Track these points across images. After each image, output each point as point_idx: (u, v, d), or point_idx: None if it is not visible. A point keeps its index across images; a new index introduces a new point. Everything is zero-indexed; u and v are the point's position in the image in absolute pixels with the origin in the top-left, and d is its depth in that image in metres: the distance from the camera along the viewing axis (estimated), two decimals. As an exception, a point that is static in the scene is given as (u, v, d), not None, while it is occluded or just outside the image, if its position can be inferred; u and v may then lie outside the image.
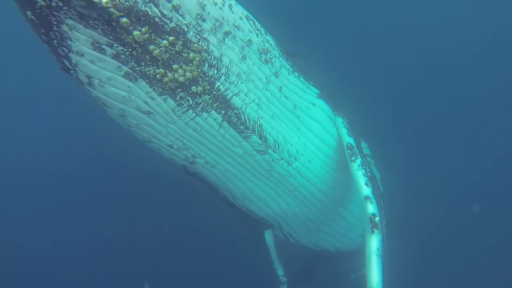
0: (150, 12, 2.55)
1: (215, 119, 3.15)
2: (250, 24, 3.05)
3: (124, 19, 2.48)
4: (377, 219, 3.32)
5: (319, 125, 3.84)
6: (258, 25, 3.14)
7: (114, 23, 2.48)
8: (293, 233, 4.65)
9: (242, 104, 3.20)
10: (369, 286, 3.06)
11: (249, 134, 3.34)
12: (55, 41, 2.49)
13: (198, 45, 2.81)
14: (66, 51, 2.54)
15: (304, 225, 4.53)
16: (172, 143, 3.26)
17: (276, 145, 3.53)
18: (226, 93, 3.09)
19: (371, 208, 3.38)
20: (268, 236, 4.61)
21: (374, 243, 3.26)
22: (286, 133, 3.61)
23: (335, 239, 4.90)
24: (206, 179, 3.70)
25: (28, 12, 2.36)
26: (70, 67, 2.63)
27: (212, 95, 3.03)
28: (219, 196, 4.05)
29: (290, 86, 3.54)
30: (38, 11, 2.34)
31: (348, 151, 3.82)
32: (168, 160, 3.53)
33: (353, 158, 3.72)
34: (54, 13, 2.36)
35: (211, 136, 3.26)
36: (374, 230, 3.27)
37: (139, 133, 3.18)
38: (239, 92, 3.15)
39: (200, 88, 2.96)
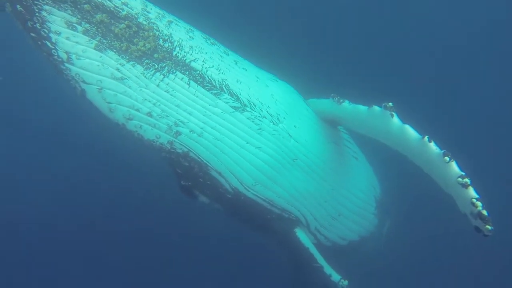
0: (105, 4, 3.48)
1: (182, 78, 3.62)
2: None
3: (86, 6, 3.39)
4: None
5: (290, 96, 4.22)
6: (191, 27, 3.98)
7: (79, 6, 3.36)
8: (321, 227, 4.46)
9: (202, 68, 3.72)
10: (472, 198, 2.86)
11: (219, 92, 3.71)
12: (38, 24, 3.29)
13: (149, 27, 3.61)
14: (47, 32, 3.31)
15: (325, 211, 4.41)
16: (150, 110, 3.56)
17: (251, 104, 3.83)
18: (185, 59, 3.68)
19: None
20: (301, 234, 4.29)
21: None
22: (259, 96, 3.93)
23: (355, 224, 4.78)
24: (200, 159, 3.72)
25: (18, 6, 3.23)
26: (52, 47, 3.34)
27: (172, 60, 3.63)
28: (228, 197, 3.93)
29: (245, 61, 4.14)
30: (24, 3, 3.24)
31: None
32: (155, 149, 3.71)
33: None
34: (35, 2, 3.25)
35: (184, 97, 3.61)
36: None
37: (119, 110, 3.55)
38: (195, 59, 3.73)
39: (161, 55, 3.60)
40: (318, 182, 4.24)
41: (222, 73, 3.81)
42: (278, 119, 3.94)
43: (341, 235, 4.73)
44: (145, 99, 3.56)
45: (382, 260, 5.43)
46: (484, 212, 2.80)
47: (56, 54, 3.36)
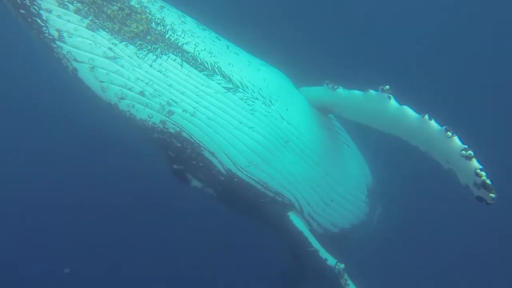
0: None
1: (174, 60, 3.66)
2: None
3: None
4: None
5: (281, 81, 4.26)
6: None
7: None
8: (314, 213, 4.46)
9: (194, 51, 3.77)
10: (476, 168, 2.93)
11: (211, 73, 3.75)
12: (28, 1, 3.26)
13: (141, 10, 3.65)
14: (37, 9, 3.29)
15: (318, 197, 4.42)
16: (143, 89, 3.57)
17: (243, 86, 3.86)
18: (177, 42, 3.73)
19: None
20: (294, 217, 4.25)
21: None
22: (251, 79, 3.96)
23: (347, 211, 4.81)
24: (193, 139, 3.72)
25: None
26: (42, 24, 3.31)
27: (165, 42, 3.67)
28: (222, 179, 3.90)
29: (237, 47, 4.17)
30: None
31: None
32: (148, 129, 3.69)
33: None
34: None
35: (177, 77, 3.64)
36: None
37: (111, 89, 3.55)
38: (188, 42, 3.78)
39: (153, 37, 3.63)
40: (311, 165, 4.25)
41: (214, 56, 3.85)
42: (270, 101, 3.97)
43: (333, 222, 4.73)
44: (138, 78, 3.56)
45: (373, 247, 5.45)
46: (488, 181, 2.89)
47: (47, 31, 3.34)
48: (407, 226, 6.46)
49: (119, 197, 7.65)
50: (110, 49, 3.47)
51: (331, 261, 4.04)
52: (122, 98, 3.58)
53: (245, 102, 3.82)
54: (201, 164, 3.86)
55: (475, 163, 2.98)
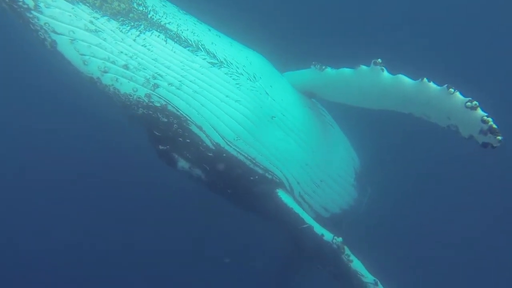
0: None
1: (158, 36, 3.65)
2: None
3: None
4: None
5: (263, 63, 4.27)
6: None
7: None
8: (305, 194, 4.40)
9: (177, 29, 3.77)
10: (482, 116, 3.07)
11: (195, 49, 3.75)
12: None
13: None
14: None
15: (307, 176, 4.37)
16: (126, 63, 3.52)
17: (228, 62, 3.86)
18: (160, 21, 3.74)
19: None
20: (283, 194, 4.12)
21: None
22: (234, 57, 3.97)
23: (337, 194, 4.79)
24: (179, 112, 3.65)
25: None
26: None
27: (148, 21, 3.67)
28: (210, 156, 3.79)
29: (218, 31, 4.18)
30: None
31: None
32: (132, 104, 3.60)
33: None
34: None
35: (161, 51, 3.61)
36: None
37: (93, 62, 3.47)
38: (170, 22, 3.79)
39: (136, 15, 3.63)
40: (297, 142, 4.22)
41: (197, 35, 3.87)
42: (254, 77, 3.98)
43: (324, 205, 4.68)
44: (121, 52, 3.51)
45: (363, 232, 5.42)
46: (495, 126, 3.05)
47: (21, 0, 3.24)
48: (397, 210, 6.43)
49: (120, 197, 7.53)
50: (91, 22, 3.41)
51: (327, 236, 3.87)
52: (105, 72, 3.50)
53: (230, 76, 3.81)
54: (188, 140, 3.76)
55: (480, 111, 3.12)
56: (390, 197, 6.15)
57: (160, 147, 3.85)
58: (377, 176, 5.51)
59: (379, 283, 3.59)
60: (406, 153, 7.08)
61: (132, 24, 3.56)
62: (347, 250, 3.76)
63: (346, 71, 3.86)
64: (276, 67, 4.53)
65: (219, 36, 4.10)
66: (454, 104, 3.23)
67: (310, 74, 4.23)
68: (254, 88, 3.90)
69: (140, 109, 3.64)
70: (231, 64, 3.86)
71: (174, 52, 3.64)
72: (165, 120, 3.67)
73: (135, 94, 3.58)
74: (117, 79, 3.53)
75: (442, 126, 3.41)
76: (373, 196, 5.59)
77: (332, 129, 4.83)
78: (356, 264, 3.72)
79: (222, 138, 3.77)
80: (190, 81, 3.65)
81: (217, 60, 3.79)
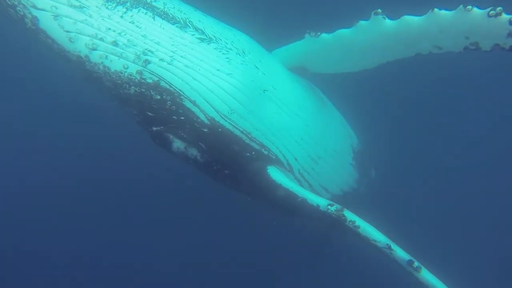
0: None
1: (146, 13, 3.60)
2: None
3: None
4: None
5: (250, 41, 4.23)
6: None
7: None
8: (304, 171, 4.30)
9: (164, 7, 3.74)
10: (509, 19, 3.04)
11: (183, 26, 3.72)
12: None
13: None
14: None
15: (304, 151, 4.28)
16: (115, 39, 3.44)
17: (216, 38, 3.84)
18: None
19: None
20: (273, 170, 3.97)
21: None
22: (222, 33, 3.95)
23: (336, 173, 4.71)
24: (172, 87, 3.58)
25: None
26: None
27: None
28: (205, 132, 3.73)
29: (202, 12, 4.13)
30: None
31: None
32: (124, 82, 3.52)
33: None
34: None
35: (150, 28, 3.56)
36: None
37: (80, 39, 3.37)
38: (156, 0, 3.74)
39: None
40: (290, 116, 4.16)
41: (184, 13, 3.84)
42: (243, 52, 3.94)
43: (323, 184, 4.59)
44: (109, 28, 3.44)
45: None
46: None
47: None
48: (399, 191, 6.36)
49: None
50: None
51: (322, 205, 3.66)
52: (94, 49, 3.42)
53: (220, 51, 3.77)
54: (182, 117, 3.68)
55: (505, 15, 3.08)
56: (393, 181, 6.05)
57: (154, 128, 3.77)
58: (376, 155, 5.42)
59: (392, 246, 3.31)
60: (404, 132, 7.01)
61: (118, 1, 3.50)
62: (349, 216, 3.50)
63: (343, 31, 3.81)
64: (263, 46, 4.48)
65: (205, 16, 4.08)
66: (475, 20, 3.16)
67: (303, 46, 4.18)
68: (244, 62, 3.86)
69: (132, 87, 3.55)
70: (220, 40, 3.83)
71: (163, 28, 3.59)
72: (158, 97, 3.59)
73: (126, 71, 3.50)
74: (106, 56, 3.45)
75: (458, 50, 3.36)
76: (374, 178, 5.51)
77: (324, 104, 4.79)
78: (364, 229, 3.46)
79: (217, 112, 3.70)
80: (181, 56, 3.59)
81: (206, 36, 3.77)
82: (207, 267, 7.43)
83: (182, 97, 3.61)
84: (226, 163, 4.02)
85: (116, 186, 7.37)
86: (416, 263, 3.22)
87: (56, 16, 3.28)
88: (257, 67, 3.94)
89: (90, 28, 3.37)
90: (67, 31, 3.32)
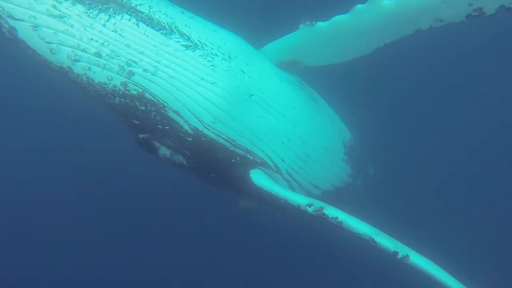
0: None
1: (129, 19, 3.52)
2: None
3: None
4: None
5: (238, 41, 4.17)
6: None
7: None
8: (292, 171, 4.29)
9: (149, 11, 3.66)
10: None
11: (168, 32, 3.64)
12: None
13: None
14: None
15: (291, 152, 4.26)
16: (98, 50, 3.39)
17: (202, 43, 3.77)
18: (129, 3, 3.62)
19: None
20: (256, 174, 3.98)
21: None
22: (208, 38, 3.87)
23: (326, 170, 4.67)
24: (156, 99, 3.57)
25: None
26: None
27: (117, 3, 3.55)
28: (190, 141, 3.76)
29: (191, 13, 4.07)
30: None
31: None
32: (108, 93, 3.52)
33: None
34: None
35: (134, 36, 3.49)
36: None
37: (62, 51, 3.35)
38: (141, 4, 3.68)
39: None
40: (277, 118, 4.13)
41: (170, 17, 3.76)
42: (229, 57, 3.88)
43: (313, 182, 4.59)
44: (91, 38, 3.39)
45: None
46: None
47: None
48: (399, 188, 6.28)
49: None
50: (54, 6, 3.27)
51: (302, 205, 3.61)
52: (76, 60, 3.40)
53: (205, 58, 3.71)
54: (167, 127, 3.71)
55: None
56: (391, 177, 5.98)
57: (140, 135, 3.82)
58: (372, 149, 5.35)
59: (376, 239, 3.23)
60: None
61: (100, 7, 3.42)
62: (331, 213, 3.44)
63: (340, 17, 3.76)
64: (252, 44, 4.39)
65: (193, 18, 4.00)
66: None
67: (297, 37, 4.13)
68: (229, 68, 3.81)
69: (117, 98, 3.57)
70: (205, 45, 3.76)
71: (147, 36, 3.53)
72: (143, 108, 3.61)
73: (110, 83, 3.49)
74: (89, 67, 3.43)
75: (460, 20, 3.34)
76: (372, 174, 5.45)
77: (314, 101, 4.72)
78: (348, 224, 3.39)
79: (200, 122, 3.70)
80: (165, 66, 3.56)
81: (191, 42, 3.70)
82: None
83: (166, 108, 3.61)
84: (211, 169, 4.07)
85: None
86: (400, 255, 3.13)
87: (35, 27, 3.24)
88: (243, 71, 3.89)
89: (71, 39, 3.33)
90: (47, 42, 3.29)
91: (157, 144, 3.82)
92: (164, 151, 3.86)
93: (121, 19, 3.46)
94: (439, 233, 5.85)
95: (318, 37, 3.97)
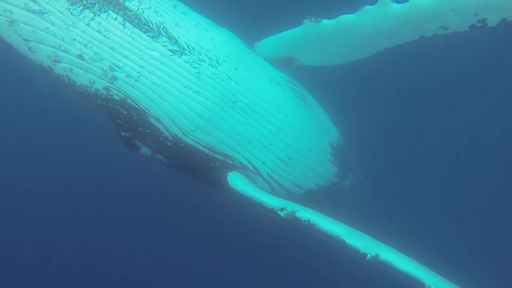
0: None
1: (115, 18, 3.38)
2: None
3: None
4: None
5: (230, 40, 4.05)
6: None
7: None
8: (273, 173, 4.29)
9: (138, 9, 3.51)
10: None
11: (156, 34, 3.52)
12: None
13: None
14: None
15: (273, 155, 4.25)
16: (80, 52, 3.31)
17: (190, 47, 3.66)
18: None
19: None
20: (233, 176, 3.99)
21: None
22: (198, 39, 3.75)
23: (310, 170, 4.64)
24: (138, 105, 3.56)
25: None
26: None
27: None
28: (169, 145, 3.79)
29: (185, 7, 3.96)
30: None
31: None
32: (90, 96, 3.49)
33: None
34: None
35: (119, 38, 3.39)
36: None
37: (42, 50, 3.25)
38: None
39: None
40: (261, 123, 4.11)
41: (160, 15, 3.61)
42: (217, 61, 3.79)
43: (295, 182, 4.58)
44: (74, 39, 3.28)
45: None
46: None
47: None
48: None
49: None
50: (33, 1, 3.11)
51: (276, 208, 3.58)
52: (57, 61, 3.33)
53: (191, 65, 3.63)
54: (148, 131, 3.75)
55: None
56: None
57: (123, 133, 3.85)
58: (359, 151, 5.37)
59: (346, 241, 3.22)
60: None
61: (84, 2, 3.26)
62: (303, 216, 3.43)
63: (347, 17, 3.76)
64: (247, 39, 4.34)
65: (185, 14, 3.84)
66: None
67: (299, 32, 4.10)
68: (215, 75, 3.74)
69: (99, 100, 3.55)
70: (193, 49, 3.67)
71: (133, 38, 3.42)
72: (125, 112, 3.62)
73: (92, 86, 3.46)
74: (71, 69, 3.37)
75: (463, 29, 3.50)
76: (360, 177, 5.42)
77: (303, 102, 4.65)
78: (320, 226, 3.36)
79: (180, 129, 3.71)
80: (149, 72, 3.50)
81: (179, 46, 3.59)
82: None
83: (148, 114, 3.62)
84: (190, 170, 4.14)
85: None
86: (369, 256, 3.10)
87: (12, 22, 3.11)
88: (230, 77, 3.82)
89: (52, 38, 3.23)
90: (25, 40, 3.19)
91: (139, 143, 3.87)
92: (145, 150, 3.92)
93: (106, 17, 3.32)
94: (430, 234, 5.83)
95: (321, 35, 3.95)
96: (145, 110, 3.59)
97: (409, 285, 3.06)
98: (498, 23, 3.34)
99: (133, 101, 3.54)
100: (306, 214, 3.46)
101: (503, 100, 6.45)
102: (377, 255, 3.11)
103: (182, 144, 3.78)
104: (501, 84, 6.69)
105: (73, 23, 3.24)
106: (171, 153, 3.86)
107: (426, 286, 2.96)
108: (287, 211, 3.51)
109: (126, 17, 3.41)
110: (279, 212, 3.54)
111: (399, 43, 3.81)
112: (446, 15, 3.44)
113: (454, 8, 3.38)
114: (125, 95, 3.51)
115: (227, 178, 3.98)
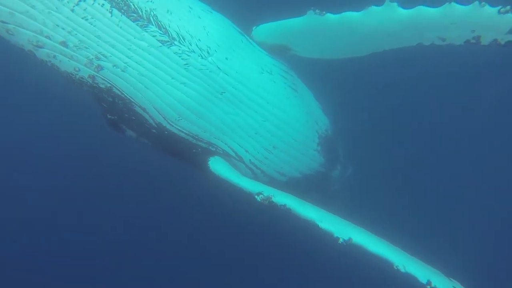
0: None
1: (103, 5, 3.29)
2: None
3: None
4: None
5: (223, 28, 3.99)
6: None
7: None
8: (255, 160, 4.31)
9: None
10: None
11: (145, 23, 3.44)
12: None
13: None
14: None
15: (257, 143, 4.26)
16: (65, 39, 3.24)
17: (180, 37, 3.60)
18: None
19: None
20: (215, 161, 4.02)
21: None
22: (189, 28, 3.69)
23: (294, 158, 4.64)
24: (124, 95, 3.56)
25: None
26: None
27: None
28: (154, 132, 3.82)
29: None
30: None
31: None
32: (75, 82, 3.47)
33: None
34: None
35: (106, 27, 3.31)
36: None
37: (21, 34, 3.16)
38: None
39: None
40: (247, 113, 4.12)
41: (151, 1, 3.51)
42: (208, 52, 3.74)
43: (278, 169, 4.63)
44: (57, 25, 3.21)
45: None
46: None
47: None
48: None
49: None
50: None
51: (253, 192, 3.59)
52: (39, 47, 3.27)
53: (180, 56, 3.59)
54: (133, 118, 3.79)
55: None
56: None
57: (109, 116, 3.89)
58: (349, 142, 5.35)
59: (320, 225, 3.24)
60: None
61: None
62: (279, 200, 3.45)
63: (351, 14, 3.78)
64: (245, 22, 4.32)
65: (179, 1, 3.75)
66: (486, 15, 3.40)
67: (301, 22, 4.07)
68: (204, 66, 3.71)
69: (85, 87, 3.56)
70: (183, 39, 3.60)
71: (121, 28, 3.33)
72: (110, 99, 3.64)
73: (77, 74, 3.44)
74: (54, 56, 3.32)
75: (459, 43, 3.66)
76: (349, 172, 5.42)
77: (293, 92, 4.61)
78: (296, 210, 3.38)
79: (164, 119, 3.76)
80: (136, 63, 3.47)
81: (168, 36, 3.52)
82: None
83: (133, 103, 3.65)
84: (174, 154, 4.22)
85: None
86: (341, 239, 3.13)
87: None
88: (219, 68, 3.80)
89: (33, 22, 3.13)
90: (3, 22, 3.08)
91: (124, 127, 3.92)
92: (130, 133, 3.98)
93: (93, 3, 3.22)
94: (420, 231, 5.80)
95: (323, 28, 3.95)
96: (131, 99, 3.61)
97: (383, 269, 3.09)
98: (490, 43, 3.51)
99: (118, 90, 3.55)
100: (282, 199, 3.51)
101: (488, 97, 6.47)
102: (349, 239, 3.15)
103: (166, 132, 3.84)
104: (497, 82, 6.68)
105: (56, 8, 3.15)
106: (156, 138, 3.93)
107: (394, 267, 3.06)
108: (263, 195, 3.54)
109: (114, 3, 3.31)
110: (256, 196, 3.58)
111: (397, 47, 3.94)
112: (447, 27, 3.56)
113: (454, 22, 3.50)
114: (111, 84, 3.50)
115: (209, 163, 4.04)
